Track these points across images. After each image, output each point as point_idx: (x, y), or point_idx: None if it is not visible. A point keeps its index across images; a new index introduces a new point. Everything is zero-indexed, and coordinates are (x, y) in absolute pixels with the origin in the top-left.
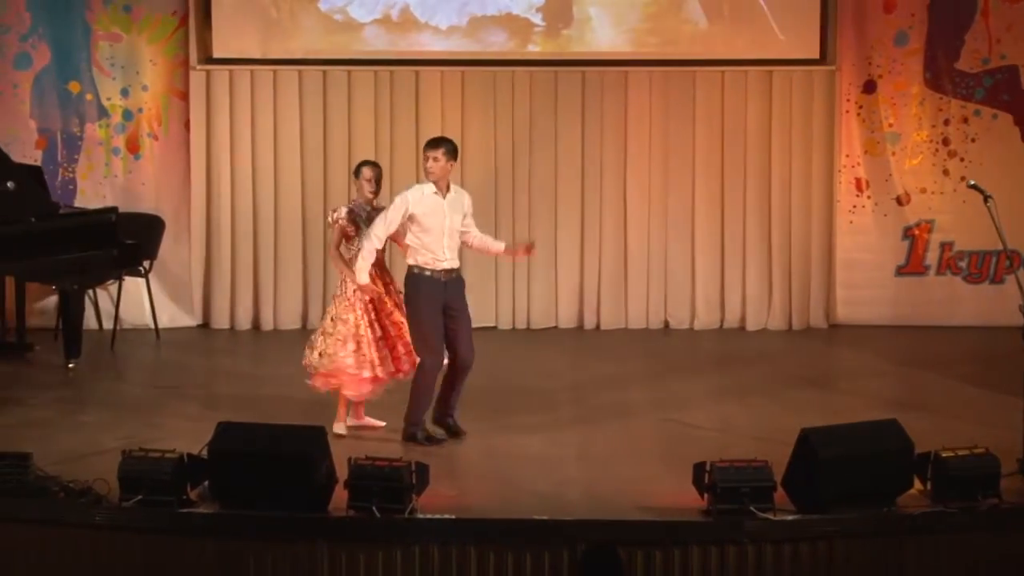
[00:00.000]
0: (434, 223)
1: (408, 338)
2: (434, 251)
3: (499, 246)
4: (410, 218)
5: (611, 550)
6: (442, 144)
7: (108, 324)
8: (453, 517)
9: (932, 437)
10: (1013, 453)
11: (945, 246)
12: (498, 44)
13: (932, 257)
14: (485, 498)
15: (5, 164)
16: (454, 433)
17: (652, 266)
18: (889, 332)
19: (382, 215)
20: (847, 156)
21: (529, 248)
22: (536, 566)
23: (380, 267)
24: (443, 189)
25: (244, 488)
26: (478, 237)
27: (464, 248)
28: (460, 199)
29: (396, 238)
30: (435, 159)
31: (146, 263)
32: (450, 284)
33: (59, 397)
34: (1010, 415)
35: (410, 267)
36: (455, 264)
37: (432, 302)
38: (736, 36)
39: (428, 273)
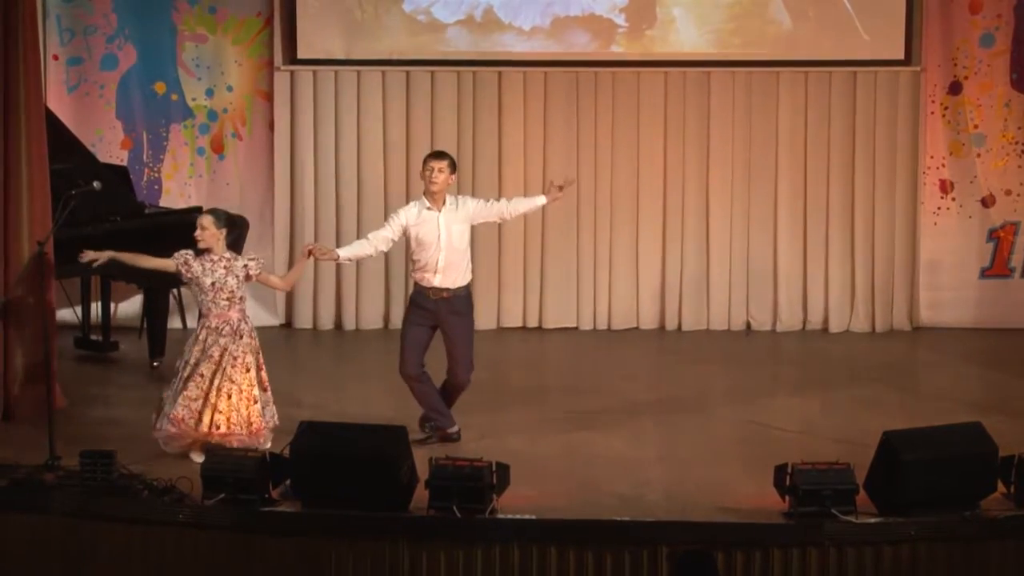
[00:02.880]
0: (428, 239)
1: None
2: (425, 269)
3: (539, 200)
4: (408, 235)
5: (706, 554)
6: (447, 156)
7: (192, 323)
8: (533, 517)
9: (1016, 440)
10: None
11: None
12: (581, 45)
13: (1017, 259)
14: (566, 498)
15: (92, 164)
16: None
17: (734, 267)
18: (973, 335)
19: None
20: (931, 157)
21: (561, 187)
22: (616, 567)
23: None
24: (438, 203)
25: (326, 487)
26: (510, 207)
27: (506, 223)
28: (459, 210)
29: (261, 279)
30: (439, 170)
31: None
32: (442, 303)
33: (143, 396)
34: None
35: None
36: (451, 284)
37: (416, 316)
38: (820, 37)
39: (420, 290)
